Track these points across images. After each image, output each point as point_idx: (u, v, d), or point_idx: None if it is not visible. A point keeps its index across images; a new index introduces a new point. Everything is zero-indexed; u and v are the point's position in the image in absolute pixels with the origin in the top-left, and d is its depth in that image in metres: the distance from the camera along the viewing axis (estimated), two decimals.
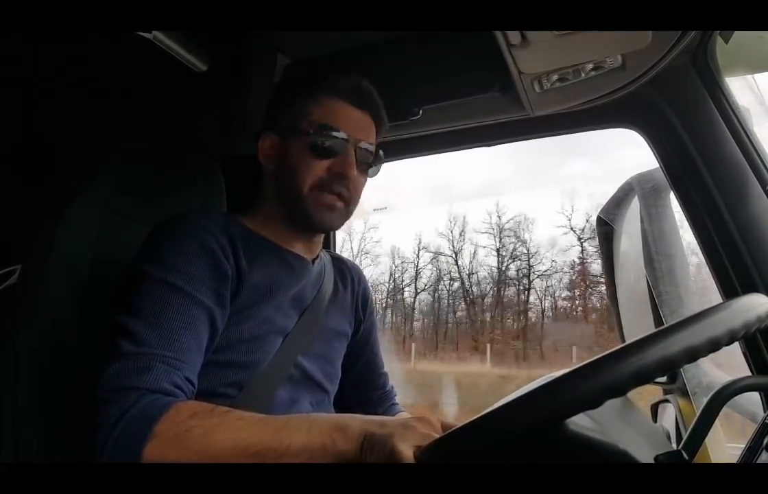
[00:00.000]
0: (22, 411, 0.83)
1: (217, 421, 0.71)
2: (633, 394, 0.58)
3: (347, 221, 1.02)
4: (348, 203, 0.97)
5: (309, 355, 0.98)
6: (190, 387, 0.78)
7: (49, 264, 0.88)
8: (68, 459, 0.84)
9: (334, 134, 0.94)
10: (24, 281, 0.88)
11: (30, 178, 1.06)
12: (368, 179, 1.02)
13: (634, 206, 1.16)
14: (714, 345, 0.53)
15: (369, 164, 1.00)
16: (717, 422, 0.76)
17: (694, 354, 0.52)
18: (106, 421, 0.68)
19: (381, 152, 1.01)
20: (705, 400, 0.73)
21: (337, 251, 1.57)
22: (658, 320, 1.09)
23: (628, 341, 0.54)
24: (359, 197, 1.00)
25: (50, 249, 0.89)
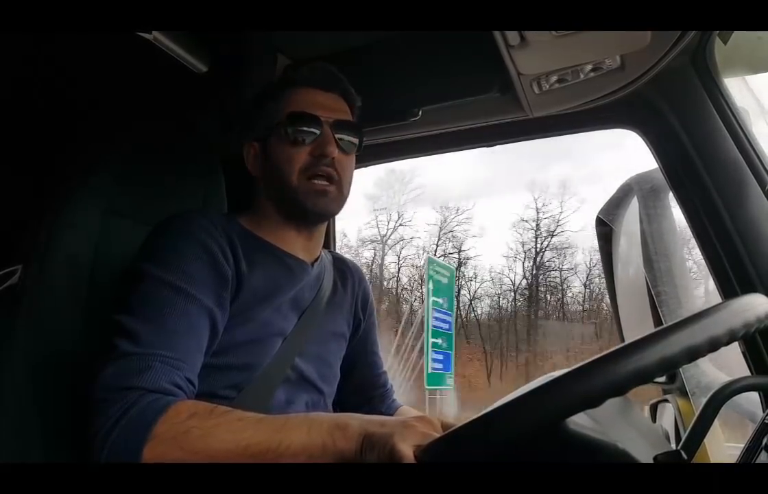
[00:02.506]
0: (22, 411, 0.83)
1: (217, 422, 0.71)
2: (632, 394, 0.58)
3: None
4: (339, 185, 0.97)
5: (305, 356, 0.98)
6: (191, 387, 0.77)
7: (49, 265, 0.88)
8: (68, 459, 0.84)
9: (306, 118, 0.94)
10: (24, 282, 0.88)
11: (30, 178, 1.06)
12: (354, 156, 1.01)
13: (634, 206, 1.17)
14: (714, 345, 0.53)
15: (350, 142, 0.99)
16: (716, 422, 0.76)
17: (694, 354, 0.52)
18: (106, 421, 0.68)
19: (361, 129, 1.01)
20: (704, 400, 0.74)
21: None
22: (657, 320, 1.09)
23: (628, 341, 0.54)
24: (350, 180, 1.00)
25: (51, 249, 0.89)
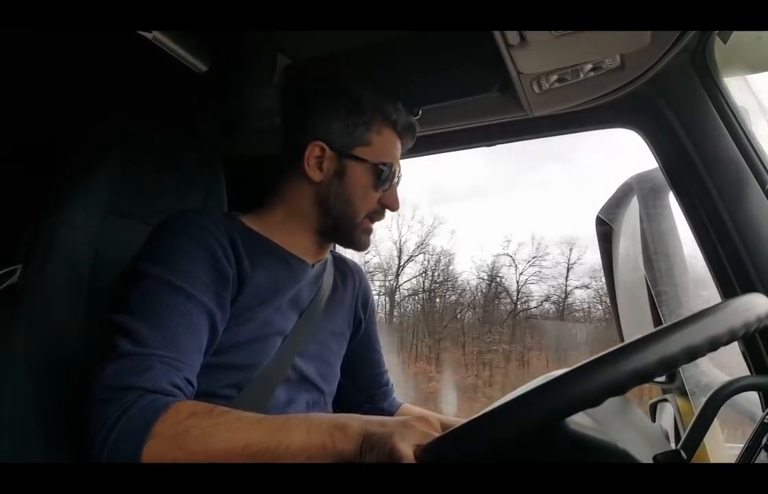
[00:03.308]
0: (22, 411, 0.83)
1: (216, 421, 0.71)
2: (631, 394, 0.58)
3: None
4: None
5: (305, 356, 0.98)
6: (190, 388, 0.77)
7: (49, 264, 0.88)
8: (68, 459, 0.84)
9: (392, 171, 1.00)
10: (24, 281, 0.88)
11: (30, 178, 1.06)
12: None
13: (633, 206, 1.17)
14: (714, 344, 0.53)
15: None
16: (715, 421, 0.76)
17: (694, 353, 0.52)
18: (105, 421, 0.68)
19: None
20: (704, 400, 0.74)
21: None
22: (657, 320, 1.09)
23: (627, 340, 0.54)
24: None
25: (51, 249, 0.89)
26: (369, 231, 1.02)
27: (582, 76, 1.03)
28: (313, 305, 1.02)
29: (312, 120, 1.00)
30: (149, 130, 1.08)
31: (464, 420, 0.60)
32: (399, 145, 1.04)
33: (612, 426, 0.64)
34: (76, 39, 1.09)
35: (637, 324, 1.17)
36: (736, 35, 0.97)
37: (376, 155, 0.99)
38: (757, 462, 0.72)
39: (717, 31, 0.97)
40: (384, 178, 0.99)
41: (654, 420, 1.17)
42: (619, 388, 0.51)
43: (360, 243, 1.02)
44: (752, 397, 0.97)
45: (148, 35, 1.03)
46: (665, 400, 1.15)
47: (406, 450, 0.64)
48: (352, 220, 0.99)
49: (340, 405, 1.13)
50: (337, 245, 1.57)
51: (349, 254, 1.27)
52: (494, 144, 1.34)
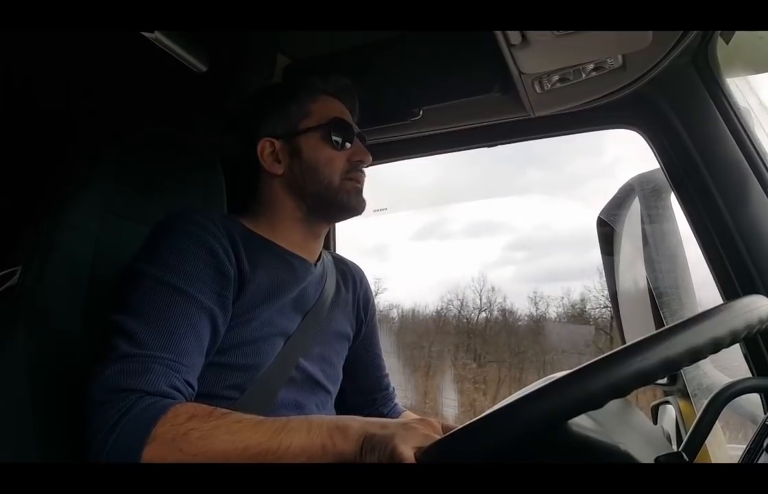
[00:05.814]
0: (22, 412, 0.83)
1: (216, 423, 0.71)
2: (633, 395, 0.58)
3: None
4: (363, 187, 1.03)
5: (310, 356, 0.97)
6: (189, 390, 0.77)
7: (49, 265, 0.88)
8: (67, 459, 0.83)
9: (346, 126, 1.00)
10: (24, 283, 0.88)
11: (30, 178, 1.06)
12: None
13: (635, 206, 1.16)
14: (716, 346, 0.53)
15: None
16: (717, 424, 0.76)
17: (696, 355, 0.52)
18: (105, 423, 0.68)
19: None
20: (705, 402, 0.73)
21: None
22: (659, 321, 1.09)
23: (629, 342, 0.54)
24: None
25: (50, 250, 0.89)
26: (356, 190, 1.00)
27: (584, 76, 1.03)
28: (318, 305, 1.01)
29: (254, 122, 1.02)
30: (149, 130, 1.08)
31: (465, 423, 0.60)
32: (339, 104, 1.03)
33: (614, 428, 0.63)
34: (76, 38, 1.09)
35: (639, 326, 1.17)
36: (738, 35, 0.97)
37: (320, 119, 0.99)
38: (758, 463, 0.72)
39: (719, 32, 0.96)
40: (338, 134, 0.99)
41: (656, 423, 1.16)
42: (622, 390, 0.51)
43: (352, 204, 1.00)
44: (754, 399, 0.96)
45: (150, 35, 1.03)
46: (667, 402, 1.15)
47: (407, 452, 0.64)
48: (329, 186, 0.98)
49: (341, 408, 1.13)
50: (334, 247, 1.59)
51: (348, 255, 1.26)
52: (495, 145, 1.34)
